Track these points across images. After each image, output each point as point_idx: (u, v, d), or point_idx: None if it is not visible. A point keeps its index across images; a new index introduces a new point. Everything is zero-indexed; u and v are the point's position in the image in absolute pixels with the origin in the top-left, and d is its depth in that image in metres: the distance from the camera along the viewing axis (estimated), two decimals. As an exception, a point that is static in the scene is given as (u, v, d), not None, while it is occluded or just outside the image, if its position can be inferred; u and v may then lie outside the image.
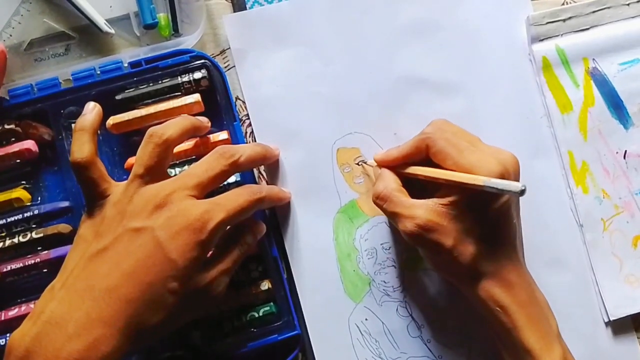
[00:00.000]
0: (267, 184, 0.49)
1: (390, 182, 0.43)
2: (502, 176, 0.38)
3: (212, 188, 0.41)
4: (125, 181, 0.41)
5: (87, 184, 0.41)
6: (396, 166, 0.44)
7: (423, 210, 0.40)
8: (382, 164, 0.45)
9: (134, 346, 0.37)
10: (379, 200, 0.42)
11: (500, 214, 0.40)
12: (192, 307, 0.40)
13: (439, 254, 0.40)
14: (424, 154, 0.42)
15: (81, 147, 0.41)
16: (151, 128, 0.41)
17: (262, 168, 0.49)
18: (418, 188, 0.43)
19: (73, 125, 0.47)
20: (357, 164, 0.49)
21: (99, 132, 0.47)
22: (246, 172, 0.48)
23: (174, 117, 0.46)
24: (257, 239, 0.44)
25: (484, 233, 0.40)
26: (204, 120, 0.45)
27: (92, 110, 0.43)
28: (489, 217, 0.40)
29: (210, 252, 0.41)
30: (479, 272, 0.40)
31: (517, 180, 0.41)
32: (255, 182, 0.48)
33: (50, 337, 0.36)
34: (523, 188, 0.36)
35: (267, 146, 0.47)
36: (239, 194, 0.41)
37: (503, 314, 0.40)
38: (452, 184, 0.39)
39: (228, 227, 0.41)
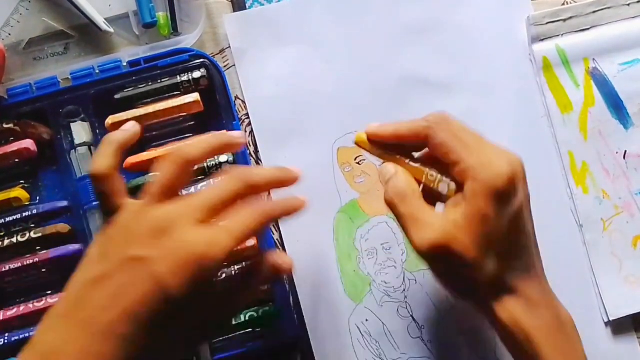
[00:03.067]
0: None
1: (411, 182, 0.38)
2: (512, 179, 0.36)
3: (224, 211, 0.38)
4: (139, 200, 0.39)
5: (100, 198, 0.39)
6: (385, 143, 0.40)
7: (444, 221, 0.36)
8: (372, 137, 0.40)
9: None
10: (396, 198, 0.38)
11: (512, 221, 0.37)
12: (198, 338, 0.39)
13: (457, 270, 0.37)
14: (420, 143, 0.39)
15: (101, 160, 0.39)
16: (175, 146, 0.40)
17: (262, 165, 0.49)
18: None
19: (72, 124, 0.47)
20: (358, 163, 0.49)
21: (97, 132, 0.48)
22: (240, 156, 0.47)
23: (172, 116, 0.47)
24: (279, 276, 0.40)
25: (500, 244, 0.37)
26: (237, 136, 0.42)
27: (128, 129, 0.41)
28: (502, 225, 0.36)
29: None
30: (500, 288, 0.37)
31: (526, 184, 0.38)
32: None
33: None
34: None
35: (286, 170, 0.42)
36: (249, 214, 0.38)
37: (526, 341, 0.37)
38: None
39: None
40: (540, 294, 0.38)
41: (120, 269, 0.36)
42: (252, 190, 0.39)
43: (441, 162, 0.38)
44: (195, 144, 0.39)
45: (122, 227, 0.38)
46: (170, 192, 0.38)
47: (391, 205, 0.38)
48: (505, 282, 0.37)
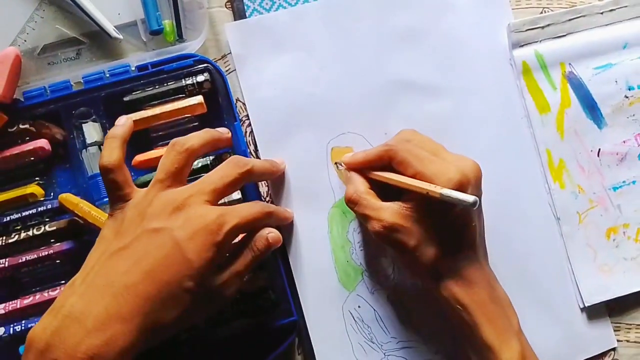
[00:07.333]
0: (268, 187, 0.51)
1: (359, 185, 0.45)
2: (461, 183, 0.40)
3: (226, 194, 0.43)
4: (147, 188, 0.42)
5: (112, 187, 0.42)
6: (362, 169, 0.46)
7: (389, 213, 0.42)
8: (349, 166, 0.47)
9: (148, 342, 0.38)
10: (350, 203, 0.45)
11: (460, 218, 0.42)
12: (204, 307, 0.41)
13: (403, 253, 0.43)
14: (386, 163, 0.44)
15: (110, 153, 0.42)
16: (175, 138, 0.43)
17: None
18: (386, 188, 0.45)
19: (84, 125, 0.49)
20: (335, 163, 0.50)
21: (107, 132, 0.50)
22: (241, 154, 0.49)
23: (177, 117, 0.49)
24: (269, 247, 0.43)
25: (444, 235, 0.42)
26: (224, 132, 0.47)
27: (124, 123, 0.45)
28: (449, 220, 0.41)
29: (224, 256, 0.42)
30: (440, 272, 0.42)
31: (479, 186, 0.43)
32: (259, 193, 0.51)
33: (70, 331, 0.36)
34: (475, 201, 0.37)
35: (274, 161, 0.49)
36: (252, 205, 0.43)
37: (464, 312, 0.41)
38: (413, 189, 0.41)
39: (241, 234, 0.43)
40: (479, 276, 0.42)
41: (139, 240, 0.39)
42: (249, 176, 0.43)
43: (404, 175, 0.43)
44: (193, 137, 0.43)
45: (136, 209, 0.41)
46: (176, 178, 0.42)
47: (350, 208, 0.45)
48: (446, 266, 0.42)
